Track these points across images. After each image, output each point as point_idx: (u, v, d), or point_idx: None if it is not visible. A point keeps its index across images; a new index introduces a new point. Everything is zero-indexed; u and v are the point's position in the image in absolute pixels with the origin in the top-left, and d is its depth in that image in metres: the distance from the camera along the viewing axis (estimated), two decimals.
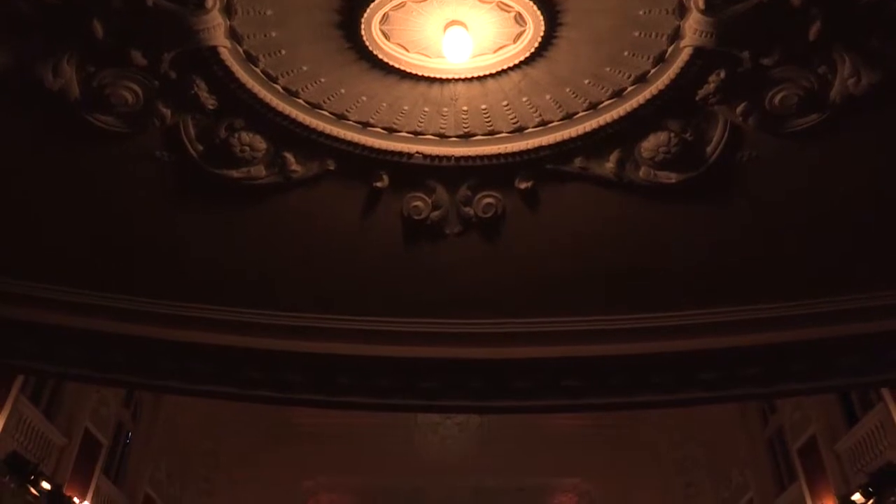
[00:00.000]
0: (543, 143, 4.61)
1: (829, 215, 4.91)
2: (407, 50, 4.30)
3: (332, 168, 4.73)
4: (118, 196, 4.97)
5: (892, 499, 11.64)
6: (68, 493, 13.10)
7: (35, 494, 12.24)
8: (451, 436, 20.23)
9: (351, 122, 4.61)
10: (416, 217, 4.79)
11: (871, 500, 11.95)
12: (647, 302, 5.18)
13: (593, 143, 4.60)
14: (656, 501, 19.67)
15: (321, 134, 4.59)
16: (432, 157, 4.66)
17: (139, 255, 5.29)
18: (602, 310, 5.12)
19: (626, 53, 4.20)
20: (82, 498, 13.71)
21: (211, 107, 4.39)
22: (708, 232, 5.03)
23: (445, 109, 4.51)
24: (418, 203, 4.78)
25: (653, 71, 4.25)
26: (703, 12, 3.81)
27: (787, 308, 5.30)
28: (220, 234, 5.09)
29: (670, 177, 4.75)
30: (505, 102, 4.50)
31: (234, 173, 4.79)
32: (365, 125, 4.62)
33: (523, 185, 4.74)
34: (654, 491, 19.76)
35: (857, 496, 12.16)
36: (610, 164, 4.72)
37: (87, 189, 4.92)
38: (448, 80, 4.40)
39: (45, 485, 12.38)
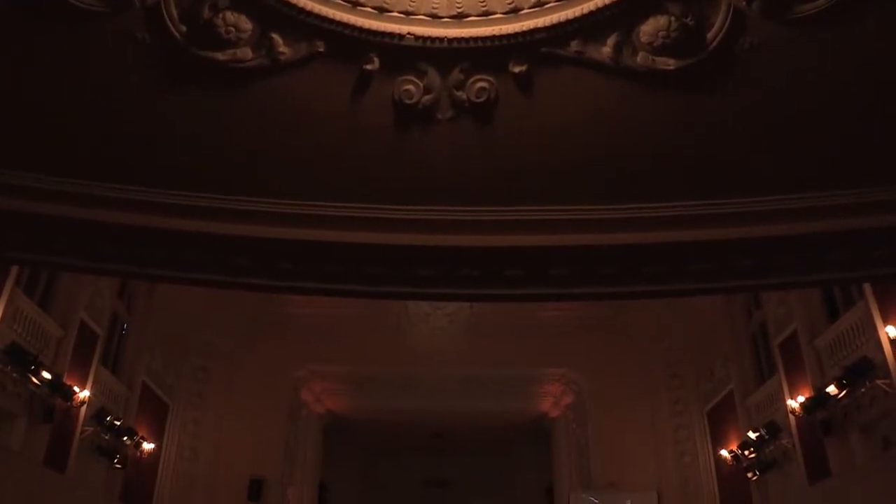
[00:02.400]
0: (539, 25, 4.47)
1: (827, 107, 4.83)
2: None
3: (320, 50, 4.59)
4: (100, 81, 4.83)
5: (863, 390, 12.06)
6: (68, 383, 13.41)
7: (36, 384, 12.54)
8: (440, 326, 20.65)
9: (340, 1, 4.44)
10: (407, 101, 4.69)
11: (844, 392, 12.39)
12: (640, 192, 5.15)
13: (591, 25, 4.46)
14: (640, 391, 20.32)
15: (309, 13, 4.43)
16: (424, 39, 4.52)
17: (124, 143, 5.19)
18: (594, 199, 5.09)
19: None
20: (82, 387, 14.04)
21: None
22: (704, 122, 4.96)
23: None
24: (409, 87, 4.67)
25: None
26: None
27: (780, 202, 5.28)
28: (206, 119, 4.99)
29: (668, 63, 4.64)
30: None
31: (220, 56, 4.65)
32: (355, 4, 4.46)
33: (517, 69, 4.63)
34: (639, 381, 20.37)
35: (831, 388, 12.57)
36: (607, 49, 4.61)
37: (68, 73, 4.78)
38: None
39: (46, 374, 12.65)
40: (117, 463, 15.46)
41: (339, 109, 4.82)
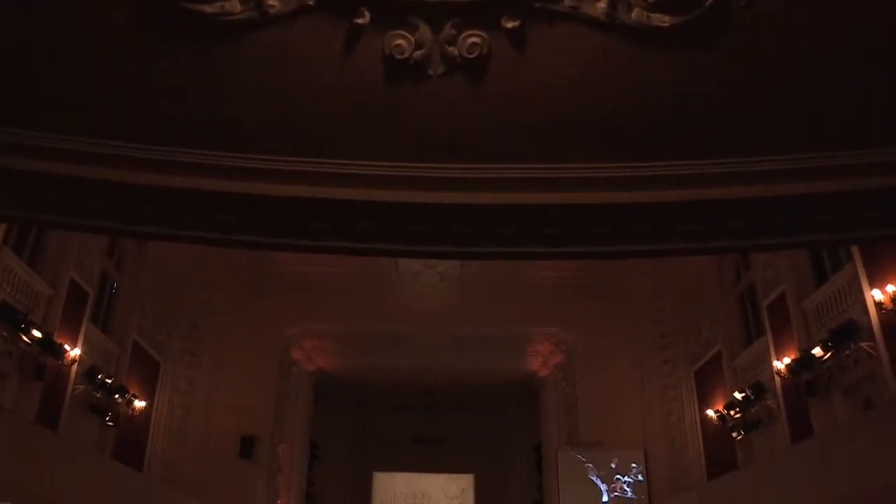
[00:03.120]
0: None
1: (825, 67, 4.78)
2: None
3: (310, 3, 4.50)
4: (87, 34, 4.73)
5: (848, 352, 12.23)
6: (59, 341, 13.43)
7: (27, 342, 12.55)
8: (431, 285, 20.75)
9: None
10: (398, 56, 4.61)
11: (829, 354, 12.55)
12: (632, 150, 5.09)
13: None
14: (629, 351, 20.56)
15: None
16: None
17: (111, 98, 5.08)
18: (586, 157, 5.03)
19: None
20: (73, 345, 14.08)
21: None
22: (699, 79, 4.89)
23: None
24: (401, 42, 4.58)
25: None
26: None
27: (774, 162, 5.24)
28: (193, 74, 4.89)
29: (664, 20, 4.57)
30: None
31: (208, 8, 4.55)
32: None
33: (510, 25, 4.55)
34: (628, 341, 20.62)
35: (817, 350, 12.74)
36: (601, 4, 4.53)
37: (53, 27, 4.68)
38: None
39: (36, 333, 12.66)
40: (109, 420, 15.59)
41: (328, 64, 4.72)
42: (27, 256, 13.30)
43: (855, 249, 12.10)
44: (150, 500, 15.28)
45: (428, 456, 24.73)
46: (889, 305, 11.21)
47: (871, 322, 11.64)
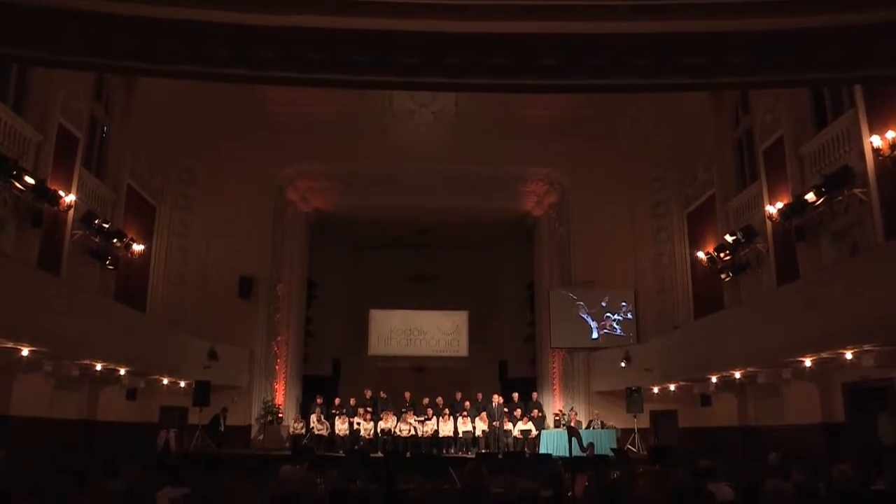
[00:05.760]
0: None
1: None
2: None
3: None
4: None
5: (840, 198, 12.29)
6: (53, 187, 13.36)
7: (20, 189, 12.48)
8: (425, 124, 20.48)
9: None
10: None
11: (822, 199, 12.62)
12: None
13: None
14: (623, 193, 20.67)
15: None
16: None
17: None
18: None
19: None
20: (67, 191, 14.03)
21: None
22: None
23: None
24: None
25: None
26: None
27: None
28: None
29: None
30: None
31: None
32: None
33: None
34: (622, 183, 20.70)
35: (810, 195, 12.79)
36: None
37: None
38: None
39: (29, 179, 12.57)
40: (109, 265, 15.86)
41: None
42: (12, 100, 12.94)
43: (858, 94, 11.85)
44: (153, 339, 15.89)
45: (423, 293, 25.42)
46: (887, 152, 11.14)
47: (866, 168, 11.61)
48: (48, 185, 13.21)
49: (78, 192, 14.57)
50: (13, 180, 12.28)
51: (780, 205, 13.95)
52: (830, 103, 13.29)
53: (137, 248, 17.24)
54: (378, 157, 20.42)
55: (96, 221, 15.18)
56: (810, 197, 12.80)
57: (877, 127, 11.42)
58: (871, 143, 11.42)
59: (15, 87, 13.07)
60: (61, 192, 13.67)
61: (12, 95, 12.95)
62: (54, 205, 13.43)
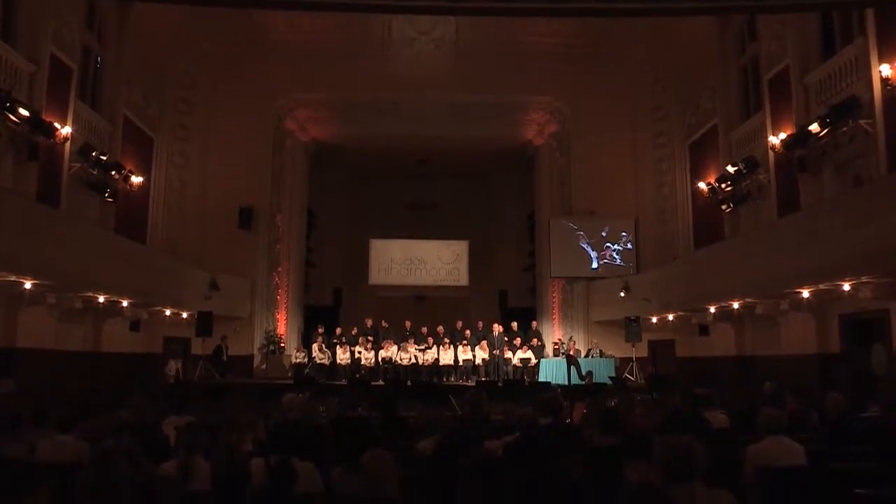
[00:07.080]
0: None
1: None
2: None
3: None
4: None
5: (844, 129, 12.15)
6: (48, 119, 13.20)
7: (15, 121, 12.33)
8: (425, 52, 20.09)
9: None
10: None
11: (826, 130, 12.48)
12: None
13: None
14: (625, 123, 20.44)
15: None
16: None
17: None
18: None
19: None
20: (63, 123, 13.87)
21: None
22: None
23: None
24: None
25: None
26: None
27: None
28: None
29: None
30: None
31: None
32: None
33: None
34: (624, 113, 20.46)
35: (814, 126, 12.64)
36: None
37: None
38: None
39: (23, 111, 12.41)
40: (108, 197, 15.81)
41: None
42: (0, 30, 12.64)
43: (869, 21, 11.58)
44: (154, 271, 15.96)
45: (423, 223, 25.36)
46: (895, 82, 10.97)
47: (873, 98, 11.46)
48: (43, 117, 13.04)
49: (74, 124, 14.40)
50: (7, 112, 12.13)
51: (783, 135, 13.81)
52: (840, 30, 12.99)
53: (136, 179, 17.16)
54: (378, 86, 20.10)
55: (94, 154, 15.04)
56: (814, 128, 12.67)
57: (887, 56, 11.21)
58: (881, 72, 11.24)
59: (3, 15, 12.75)
60: (57, 125, 13.52)
61: (0, 24, 12.65)
62: (50, 137, 13.29)
